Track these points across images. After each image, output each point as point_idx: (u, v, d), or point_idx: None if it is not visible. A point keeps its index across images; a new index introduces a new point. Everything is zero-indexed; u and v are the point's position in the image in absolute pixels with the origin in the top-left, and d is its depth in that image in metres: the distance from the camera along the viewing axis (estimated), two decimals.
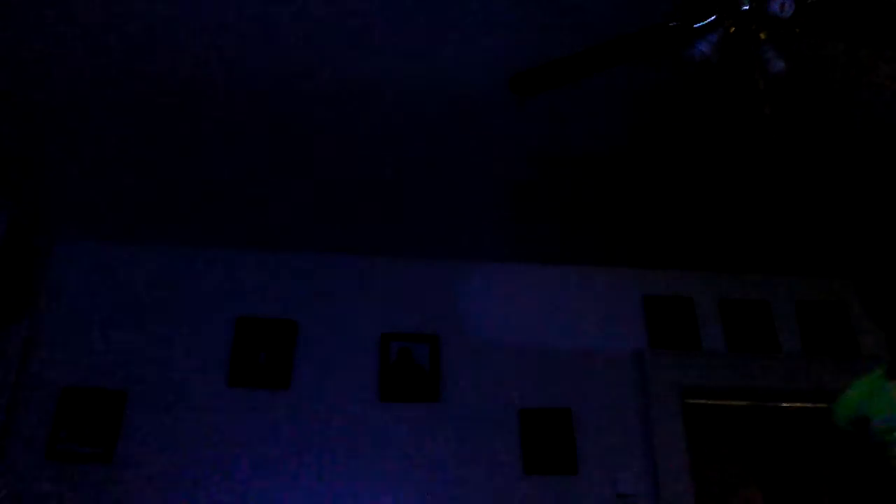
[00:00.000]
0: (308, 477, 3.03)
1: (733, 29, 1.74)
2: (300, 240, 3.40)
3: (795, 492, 3.33)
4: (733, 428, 3.43)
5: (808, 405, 3.54)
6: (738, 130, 2.72)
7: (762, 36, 1.75)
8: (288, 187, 3.01)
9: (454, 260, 3.57)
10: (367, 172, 2.93)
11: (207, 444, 3.04)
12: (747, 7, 1.70)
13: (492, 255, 3.55)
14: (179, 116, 2.60)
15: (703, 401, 3.47)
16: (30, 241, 3.17)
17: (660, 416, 3.29)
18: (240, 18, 2.20)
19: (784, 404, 3.52)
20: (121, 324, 3.23)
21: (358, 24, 2.22)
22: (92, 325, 3.22)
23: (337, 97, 2.52)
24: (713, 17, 1.76)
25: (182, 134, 2.69)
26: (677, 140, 2.78)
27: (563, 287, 3.58)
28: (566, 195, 3.10)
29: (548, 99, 2.53)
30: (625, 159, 2.88)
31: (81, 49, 2.29)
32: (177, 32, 2.24)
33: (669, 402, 3.33)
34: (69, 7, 2.14)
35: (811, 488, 3.35)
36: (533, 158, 2.86)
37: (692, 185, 3.04)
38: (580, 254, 3.55)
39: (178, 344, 3.22)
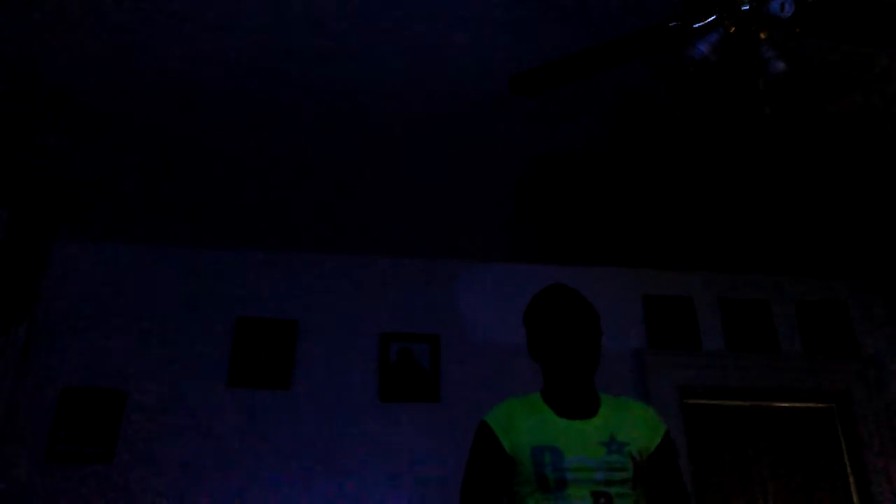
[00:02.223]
0: (308, 477, 3.03)
1: (733, 29, 1.74)
2: (300, 240, 3.40)
3: (795, 491, 3.33)
4: (733, 428, 3.44)
5: (808, 405, 3.54)
6: (737, 130, 2.72)
7: (762, 36, 1.75)
8: (288, 187, 3.02)
9: (454, 260, 3.57)
10: (367, 172, 2.93)
11: (207, 445, 3.04)
12: (747, 7, 1.70)
13: (492, 255, 3.56)
14: (180, 116, 2.60)
15: (702, 401, 3.47)
16: (30, 241, 3.17)
17: (660, 415, 3.29)
18: (240, 17, 2.20)
19: (784, 404, 3.52)
20: (121, 324, 3.24)
21: (358, 24, 2.22)
22: (92, 325, 3.22)
23: (337, 97, 2.52)
24: (713, 17, 1.76)
25: (182, 134, 2.69)
26: (678, 140, 2.78)
27: (564, 284, 3.58)
28: (566, 195, 3.10)
29: (548, 99, 2.54)
30: (625, 159, 2.89)
31: (81, 49, 2.29)
32: (177, 32, 2.24)
33: (669, 401, 3.34)
34: (69, 7, 2.14)
35: (811, 488, 3.35)
36: (533, 158, 2.87)
37: (692, 185, 3.05)
38: (580, 254, 3.55)
39: (178, 344, 3.23)
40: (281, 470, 3.03)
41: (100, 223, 3.26)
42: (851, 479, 3.37)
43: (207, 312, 3.31)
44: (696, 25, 1.79)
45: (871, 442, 3.36)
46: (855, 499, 3.33)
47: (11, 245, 3.01)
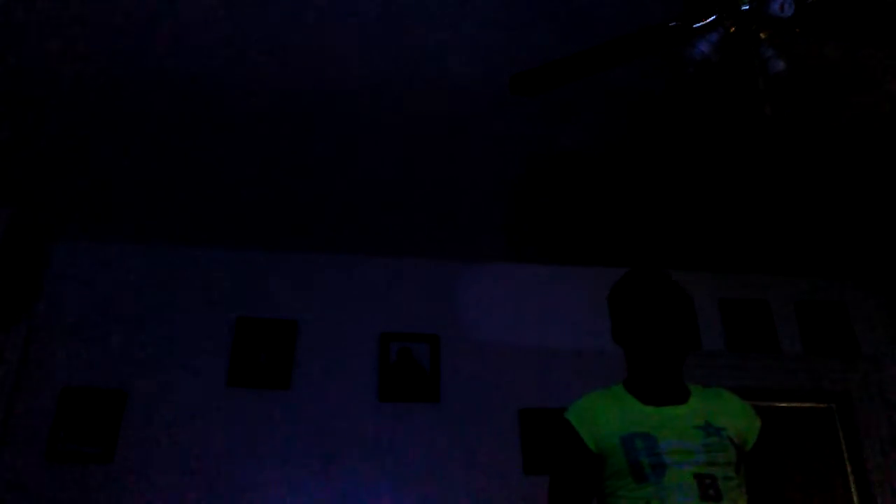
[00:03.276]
0: (308, 477, 3.03)
1: (733, 29, 1.74)
2: (301, 240, 3.40)
3: (795, 491, 3.33)
4: None
5: (808, 405, 3.54)
6: (737, 130, 2.72)
7: (762, 36, 1.75)
8: (287, 187, 3.02)
9: (454, 260, 3.57)
10: (366, 172, 2.93)
11: (207, 445, 3.04)
12: (747, 7, 1.70)
13: (492, 255, 3.56)
14: (179, 116, 2.60)
15: None
16: (30, 241, 3.17)
17: None
18: (239, 17, 2.20)
19: (784, 404, 3.52)
20: (121, 324, 3.23)
21: (357, 24, 2.22)
22: (92, 325, 3.22)
23: (336, 97, 2.52)
24: (713, 17, 1.76)
25: (182, 134, 2.69)
26: (678, 140, 2.78)
27: (563, 287, 3.58)
28: (566, 195, 3.10)
29: (548, 99, 2.54)
30: (624, 159, 2.88)
31: (82, 49, 2.29)
32: (176, 31, 2.24)
33: None
34: (70, 7, 2.14)
35: (811, 488, 3.35)
36: (533, 158, 2.86)
37: (692, 185, 3.05)
38: (580, 254, 3.55)
39: (178, 344, 3.22)
40: (281, 470, 3.03)
41: (100, 223, 3.26)
42: (851, 479, 3.37)
43: (207, 312, 3.31)
44: (696, 25, 1.79)
45: (871, 442, 3.36)
46: (855, 499, 3.33)
47: (11, 245, 3.01)
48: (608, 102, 2.57)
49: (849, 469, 3.39)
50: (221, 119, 2.62)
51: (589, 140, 2.77)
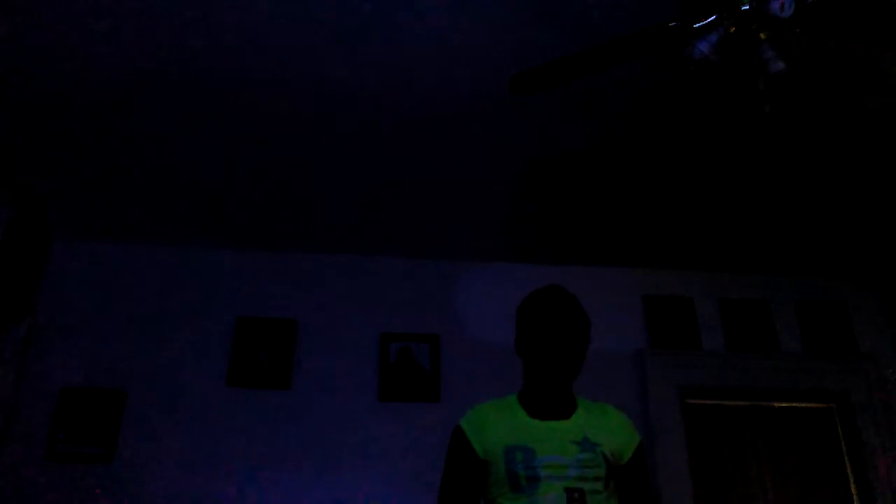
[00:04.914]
0: (308, 477, 3.03)
1: (733, 29, 1.74)
2: (300, 240, 3.40)
3: (795, 491, 3.33)
4: (733, 428, 3.43)
5: (808, 405, 3.54)
6: (738, 130, 2.72)
7: (762, 36, 1.75)
8: (288, 187, 3.01)
9: (454, 260, 3.57)
10: (366, 173, 2.93)
11: (207, 445, 3.04)
12: (747, 7, 1.70)
13: (492, 255, 3.55)
14: (180, 116, 2.60)
15: (703, 401, 3.47)
16: (30, 241, 3.17)
17: (660, 415, 3.29)
18: (239, 17, 2.20)
19: (784, 404, 3.52)
20: (121, 323, 3.23)
21: (358, 24, 2.23)
22: (92, 324, 3.22)
23: (336, 97, 2.52)
24: (713, 17, 1.77)
25: (182, 134, 2.69)
26: (678, 140, 2.78)
27: (564, 287, 3.57)
28: (566, 195, 3.10)
29: (548, 99, 2.54)
30: (624, 159, 2.89)
31: (81, 49, 2.29)
32: (176, 33, 2.24)
33: (669, 402, 3.33)
34: (70, 7, 2.14)
35: (811, 488, 3.35)
36: (533, 158, 2.87)
37: (692, 185, 3.05)
38: (580, 254, 3.55)
39: (178, 344, 3.22)
40: (281, 470, 3.03)
41: (99, 223, 3.26)
42: (851, 479, 3.37)
43: (207, 312, 3.31)
44: (696, 25, 1.79)
45: (871, 442, 3.36)
46: (855, 499, 3.33)
47: (11, 245, 3.00)
48: (608, 102, 2.57)
49: (849, 469, 3.39)
50: (222, 120, 2.62)
51: (588, 140, 2.77)
